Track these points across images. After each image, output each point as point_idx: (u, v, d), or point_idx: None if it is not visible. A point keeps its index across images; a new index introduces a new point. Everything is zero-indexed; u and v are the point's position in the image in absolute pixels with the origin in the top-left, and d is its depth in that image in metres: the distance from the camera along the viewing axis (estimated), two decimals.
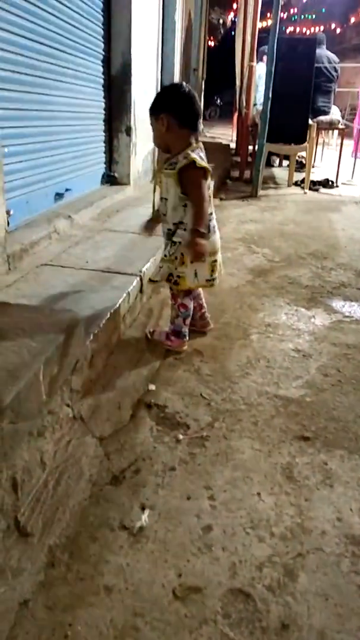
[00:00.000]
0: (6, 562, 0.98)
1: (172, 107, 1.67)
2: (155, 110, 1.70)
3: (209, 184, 1.74)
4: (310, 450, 1.40)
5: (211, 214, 1.79)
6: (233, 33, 12.87)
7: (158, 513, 1.17)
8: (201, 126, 1.61)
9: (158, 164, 1.62)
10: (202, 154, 1.73)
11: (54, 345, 1.28)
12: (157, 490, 1.23)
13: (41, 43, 2.40)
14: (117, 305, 1.85)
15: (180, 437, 1.43)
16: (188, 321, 1.91)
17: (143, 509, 1.18)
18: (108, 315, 1.75)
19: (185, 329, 1.91)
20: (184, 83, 1.75)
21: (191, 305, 1.91)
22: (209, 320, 2.09)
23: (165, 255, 1.81)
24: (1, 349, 1.19)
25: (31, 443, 1.18)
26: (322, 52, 5.59)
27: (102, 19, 3.26)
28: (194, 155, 1.66)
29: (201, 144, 1.76)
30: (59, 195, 2.79)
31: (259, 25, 5.46)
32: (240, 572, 1.04)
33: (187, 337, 1.92)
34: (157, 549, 1.08)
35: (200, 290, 2.02)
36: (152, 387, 1.68)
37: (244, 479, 1.28)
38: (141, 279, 2.18)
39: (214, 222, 1.82)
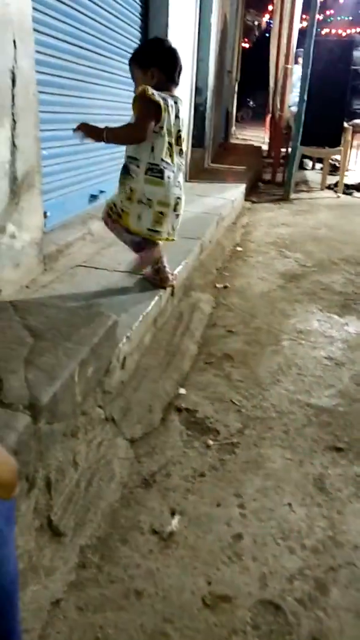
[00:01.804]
0: (39, 561, 1.00)
1: (160, 62, 1.77)
2: (144, 63, 1.77)
3: (163, 125, 1.74)
4: (343, 461, 1.37)
5: (169, 163, 1.80)
6: (268, 35, 12.79)
7: (188, 519, 1.17)
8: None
9: None
10: (170, 101, 1.76)
11: (88, 346, 1.29)
12: (187, 496, 1.23)
13: (79, 46, 2.43)
14: (149, 309, 1.86)
15: (210, 442, 1.42)
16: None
17: (173, 513, 1.18)
18: (140, 318, 1.76)
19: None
20: (167, 39, 1.86)
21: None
22: (168, 275, 2.04)
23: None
24: (39, 350, 1.21)
25: (65, 443, 1.19)
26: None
27: (139, 22, 3.28)
28: (152, 91, 1.69)
29: (177, 97, 1.83)
30: (93, 197, 2.82)
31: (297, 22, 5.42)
32: (271, 583, 1.03)
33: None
34: (187, 555, 1.08)
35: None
36: (182, 390, 1.68)
37: (275, 488, 1.27)
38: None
39: (168, 173, 1.80)
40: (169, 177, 1.80)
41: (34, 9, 1.82)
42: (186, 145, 4.48)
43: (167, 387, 1.68)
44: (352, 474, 1.33)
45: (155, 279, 2.03)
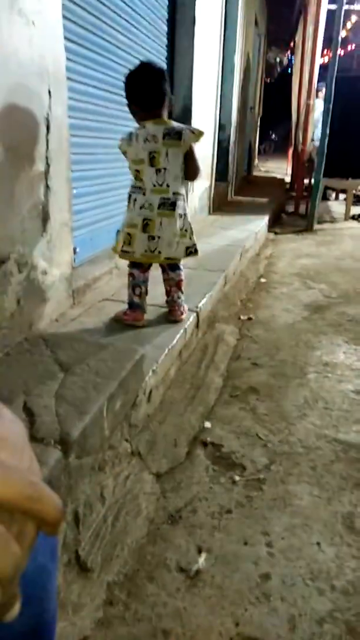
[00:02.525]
0: (67, 597, 1.01)
1: (130, 97, 1.86)
2: (128, 103, 1.90)
3: (127, 158, 1.91)
4: None
5: (138, 187, 1.90)
6: (289, 70, 13.11)
7: (215, 557, 1.16)
8: (168, 102, 1.88)
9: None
10: (140, 131, 1.85)
11: (117, 381, 1.32)
12: (213, 533, 1.23)
13: (109, 91, 2.55)
14: (175, 341, 1.89)
15: (237, 478, 1.42)
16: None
17: (200, 551, 1.17)
18: (166, 351, 1.79)
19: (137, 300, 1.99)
20: (141, 65, 1.87)
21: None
22: (178, 309, 2.05)
23: (179, 230, 1.91)
24: (69, 384, 1.25)
25: (92, 477, 1.21)
26: None
27: (166, 65, 3.43)
28: (120, 142, 1.92)
29: (161, 120, 1.85)
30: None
31: (318, 59, 5.55)
32: (300, 625, 1.01)
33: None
34: (214, 595, 1.07)
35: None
36: (207, 424, 1.68)
37: (303, 526, 1.25)
38: (198, 315, 2.22)
39: (135, 197, 1.90)
40: (135, 200, 1.90)
41: (68, 58, 1.93)
42: (210, 178, 4.58)
43: (193, 420, 1.69)
44: None
45: (121, 318, 2.01)
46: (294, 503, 1.33)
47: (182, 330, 1.98)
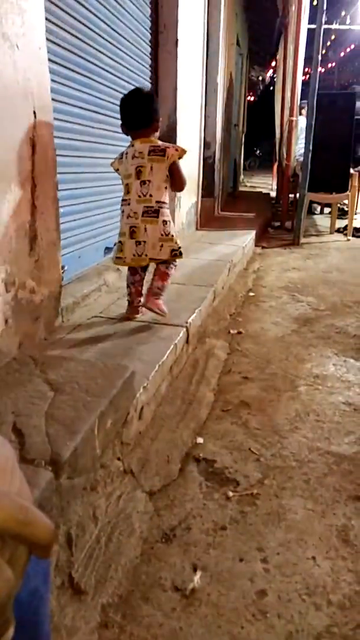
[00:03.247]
0: (61, 621, 0.99)
1: (123, 119, 2.11)
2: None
3: (120, 174, 2.15)
4: None
5: (125, 199, 2.11)
6: (272, 88, 13.38)
7: (210, 575, 1.15)
8: (156, 122, 2.14)
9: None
10: (129, 149, 2.11)
11: (107, 399, 1.32)
12: (208, 550, 1.22)
13: (94, 111, 2.58)
14: (165, 357, 1.88)
15: (230, 494, 1.41)
16: None
17: (195, 569, 1.16)
18: (156, 368, 1.78)
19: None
20: (131, 91, 2.13)
21: None
22: (151, 297, 2.17)
23: (162, 235, 2.06)
24: (59, 403, 1.24)
25: (84, 498, 1.20)
26: None
27: (149, 85, 3.48)
28: (113, 160, 2.19)
29: (146, 139, 2.08)
30: (108, 249, 2.92)
31: (300, 77, 5.68)
32: None
33: None
34: (211, 613, 1.06)
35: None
36: (200, 440, 1.68)
37: (298, 541, 1.24)
38: (187, 330, 2.22)
39: (123, 208, 2.11)
40: (122, 212, 2.11)
41: (53, 79, 1.96)
42: (196, 195, 4.63)
43: (185, 436, 1.68)
44: None
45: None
46: (288, 517, 1.33)
47: (172, 346, 1.98)
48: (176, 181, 2.11)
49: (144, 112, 2.06)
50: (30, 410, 1.20)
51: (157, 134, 2.14)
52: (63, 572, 1.06)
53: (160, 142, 2.07)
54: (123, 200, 2.11)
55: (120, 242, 2.11)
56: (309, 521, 1.31)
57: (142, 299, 2.20)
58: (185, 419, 1.78)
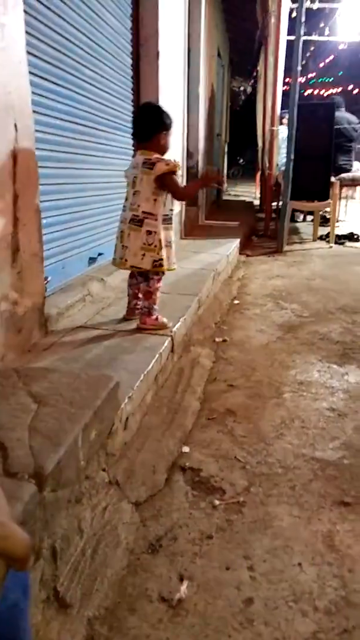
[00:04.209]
0: (46, 635, 0.98)
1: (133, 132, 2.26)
2: None
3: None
4: (352, 516, 1.36)
5: (124, 205, 2.22)
6: (253, 98, 13.56)
7: (197, 584, 1.15)
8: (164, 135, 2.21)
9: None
10: (132, 160, 2.25)
11: (91, 410, 1.31)
12: (195, 560, 1.21)
13: (77, 123, 2.60)
14: (150, 367, 1.89)
15: (217, 502, 1.41)
16: None
17: (181, 579, 1.16)
18: (141, 377, 1.78)
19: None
20: (140, 106, 2.25)
21: None
22: (138, 314, 2.30)
23: (144, 244, 2.12)
24: (42, 416, 1.23)
25: (69, 510, 1.19)
26: (342, 114, 5.83)
27: (131, 96, 3.51)
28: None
29: (141, 151, 2.18)
30: (92, 260, 2.92)
31: (280, 88, 5.77)
32: None
33: None
34: (198, 623, 1.05)
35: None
36: (185, 449, 1.68)
37: (284, 548, 1.25)
38: (172, 339, 2.23)
39: (121, 213, 2.24)
40: (120, 216, 2.23)
41: (34, 92, 1.97)
42: (181, 204, 4.66)
43: (171, 445, 1.68)
44: None
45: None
46: (274, 524, 1.33)
47: (157, 355, 1.99)
48: (172, 194, 2.17)
49: (144, 126, 2.17)
50: (13, 423, 1.19)
51: (166, 145, 2.20)
52: (48, 586, 1.05)
53: (155, 156, 2.12)
54: (123, 206, 2.23)
55: (115, 244, 2.23)
56: (295, 528, 1.32)
57: (140, 302, 2.29)
58: (170, 428, 1.78)
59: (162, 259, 2.15)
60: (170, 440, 1.71)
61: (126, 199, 2.19)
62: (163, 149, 2.18)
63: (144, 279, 2.24)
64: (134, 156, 2.20)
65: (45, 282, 2.11)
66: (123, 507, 1.36)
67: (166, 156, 2.18)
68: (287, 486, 1.48)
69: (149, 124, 2.15)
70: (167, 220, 2.18)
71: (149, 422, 1.80)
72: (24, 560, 0.35)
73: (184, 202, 4.84)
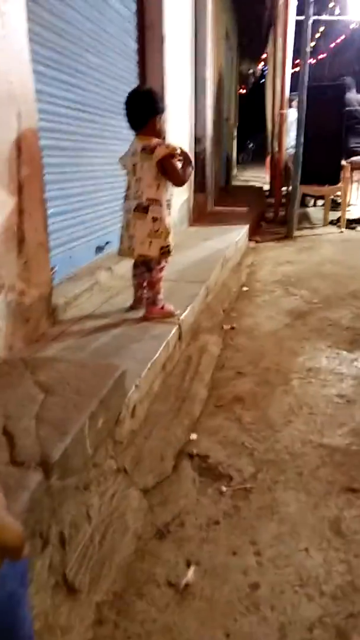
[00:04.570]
0: (55, 620, 1.00)
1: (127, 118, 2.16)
2: None
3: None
4: (359, 502, 1.36)
5: (126, 194, 2.20)
6: (263, 80, 13.35)
7: (204, 569, 1.16)
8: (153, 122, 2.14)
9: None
10: (130, 147, 2.19)
11: (98, 398, 1.32)
12: (202, 545, 1.23)
13: (81, 110, 2.58)
14: (157, 355, 1.89)
15: (224, 489, 1.42)
16: None
17: (188, 564, 1.17)
18: (149, 365, 1.79)
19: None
20: (130, 92, 2.15)
21: None
22: (143, 304, 2.31)
23: (150, 231, 2.11)
24: (49, 405, 1.25)
25: (77, 497, 1.21)
26: (352, 95, 5.69)
27: (137, 82, 3.47)
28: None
29: (137, 136, 2.15)
30: (99, 249, 2.92)
31: (289, 70, 5.66)
32: (290, 633, 1.01)
33: None
34: (204, 608, 1.07)
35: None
36: (193, 436, 1.69)
37: (291, 533, 1.25)
38: (180, 327, 2.23)
39: (124, 202, 2.22)
40: (123, 205, 2.21)
41: (37, 81, 1.96)
42: (188, 190, 4.63)
43: (178, 433, 1.69)
44: None
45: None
46: (281, 510, 1.34)
47: (164, 343, 1.99)
48: (170, 178, 2.12)
49: (138, 112, 2.10)
50: (20, 412, 1.20)
51: (161, 129, 2.14)
52: (57, 573, 1.07)
53: (154, 141, 2.08)
54: (124, 195, 2.20)
55: (121, 234, 2.21)
56: (302, 513, 1.32)
57: (145, 292, 2.29)
58: (178, 416, 1.78)
59: (169, 245, 2.15)
60: (178, 427, 1.72)
61: (128, 188, 2.17)
62: (159, 133, 2.14)
63: (146, 269, 2.24)
64: (132, 143, 2.15)
65: (52, 271, 2.12)
66: (131, 493, 1.37)
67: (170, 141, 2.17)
68: (294, 472, 1.49)
69: (143, 109, 2.10)
70: (169, 205, 2.18)
71: (156, 410, 1.81)
72: (17, 550, 0.35)
73: (192, 188, 4.81)
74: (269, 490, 1.42)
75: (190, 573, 1.15)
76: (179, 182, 2.16)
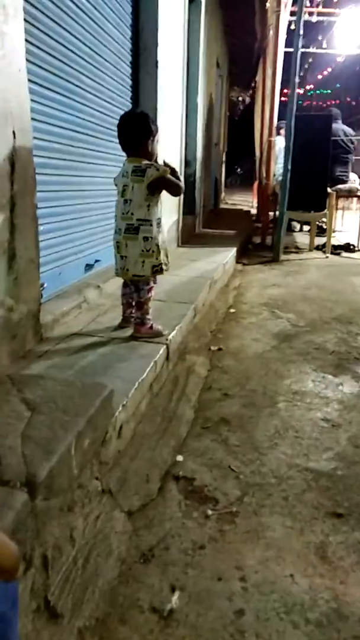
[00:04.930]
0: None
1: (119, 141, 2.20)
2: None
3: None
4: (344, 528, 1.36)
5: (115, 214, 2.21)
6: (252, 108, 13.67)
7: (188, 595, 1.14)
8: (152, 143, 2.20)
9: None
10: (122, 169, 2.19)
11: (85, 418, 1.31)
12: (186, 570, 1.21)
13: (75, 130, 2.61)
14: (145, 375, 1.88)
15: (209, 512, 1.41)
16: None
17: (173, 590, 1.15)
18: (136, 385, 1.78)
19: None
20: (122, 115, 2.19)
21: None
22: (132, 324, 2.31)
23: (142, 251, 2.12)
24: (36, 424, 1.23)
25: (61, 519, 1.18)
26: (338, 126, 5.88)
27: (130, 105, 3.54)
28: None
29: (131, 158, 2.17)
30: (89, 266, 2.93)
31: (277, 99, 5.82)
32: None
33: None
34: (188, 634, 1.05)
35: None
36: (179, 458, 1.67)
37: (276, 558, 1.24)
38: (168, 347, 2.23)
39: (114, 223, 2.22)
40: (114, 225, 2.21)
41: (33, 100, 1.98)
42: (178, 212, 4.68)
43: (164, 454, 1.67)
44: (354, 541, 1.31)
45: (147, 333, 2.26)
46: (267, 535, 1.33)
47: (152, 363, 1.99)
48: (170, 192, 2.19)
49: (130, 135, 2.14)
50: (6, 430, 1.19)
51: (153, 151, 2.19)
52: (39, 596, 1.04)
53: (145, 162, 2.11)
54: (115, 215, 2.21)
55: (114, 255, 2.23)
56: (288, 538, 1.32)
57: (134, 311, 2.30)
58: (164, 437, 1.77)
59: (161, 264, 2.17)
60: (164, 449, 1.70)
61: (118, 208, 2.18)
62: (151, 155, 2.17)
63: (135, 289, 2.25)
64: (124, 164, 2.17)
65: (41, 288, 2.11)
66: (115, 516, 1.35)
67: (160, 161, 2.20)
68: (280, 496, 1.48)
69: (136, 132, 2.13)
70: (159, 224, 2.19)
71: (143, 431, 1.79)
72: (12, 571, 0.34)
73: (181, 210, 4.86)
74: (254, 515, 1.41)
75: (175, 598, 1.13)
76: (179, 192, 2.23)
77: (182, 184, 2.20)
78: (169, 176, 2.12)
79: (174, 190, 2.19)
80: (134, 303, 2.29)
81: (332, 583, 1.18)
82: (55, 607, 1.05)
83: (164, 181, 2.11)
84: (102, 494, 1.40)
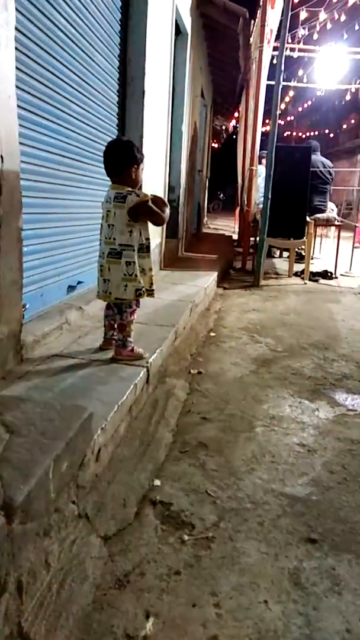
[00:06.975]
0: None
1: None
2: None
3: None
4: (318, 553, 1.38)
5: (100, 239, 2.25)
6: (234, 137, 14.03)
7: (163, 621, 1.14)
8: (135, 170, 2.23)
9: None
10: (106, 194, 2.22)
11: (63, 441, 1.32)
12: (161, 596, 1.21)
13: (62, 155, 2.66)
14: (125, 398, 1.90)
15: (186, 537, 1.41)
16: None
17: (147, 616, 1.15)
18: (115, 408, 1.79)
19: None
20: (109, 142, 2.24)
21: None
22: (113, 346, 2.33)
23: (125, 275, 2.16)
24: (14, 446, 1.23)
25: (37, 543, 1.18)
26: (317, 157, 6.08)
27: (116, 132, 3.61)
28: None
29: (115, 185, 2.20)
30: (71, 288, 2.94)
31: (260, 129, 6.01)
32: None
33: None
34: None
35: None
36: (157, 482, 1.68)
37: (251, 584, 1.25)
38: (148, 370, 2.25)
39: (100, 247, 2.27)
40: (98, 250, 2.26)
41: (22, 125, 2.03)
42: (161, 236, 4.74)
43: (142, 479, 1.68)
44: (327, 567, 1.33)
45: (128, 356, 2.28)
46: (242, 561, 1.34)
47: (132, 386, 2.00)
48: (150, 220, 2.21)
49: (116, 162, 2.18)
50: None
51: (137, 179, 2.22)
52: (12, 621, 1.03)
53: (126, 189, 2.15)
54: (99, 239, 2.26)
55: (97, 278, 2.27)
56: (262, 564, 1.33)
57: (115, 334, 2.32)
58: (142, 461, 1.78)
59: (143, 287, 2.20)
60: (142, 473, 1.71)
61: (101, 232, 2.23)
62: (135, 182, 2.21)
63: (117, 311, 2.28)
64: (108, 190, 2.22)
65: (23, 309, 2.12)
66: (91, 541, 1.35)
67: (146, 190, 2.25)
68: (256, 522, 1.50)
69: (121, 159, 2.17)
70: (145, 249, 2.22)
71: (121, 454, 1.79)
72: None
73: (164, 234, 4.94)
74: (230, 540, 1.42)
75: (149, 625, 1.13)
76: (160, 221, 2.24)
77: (166, 215, 2.22)
78: (151, 204, 2.15)
79: (155, 219, 2.21)
80: (115, 325, 2.31)
81: (305, 609, 1.19)
82: (29, 633, 1.04)
83: (144, 208, 2.14)
84: (78, 519, 1.39)
